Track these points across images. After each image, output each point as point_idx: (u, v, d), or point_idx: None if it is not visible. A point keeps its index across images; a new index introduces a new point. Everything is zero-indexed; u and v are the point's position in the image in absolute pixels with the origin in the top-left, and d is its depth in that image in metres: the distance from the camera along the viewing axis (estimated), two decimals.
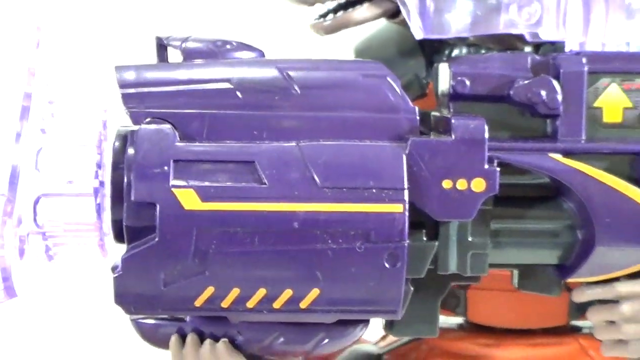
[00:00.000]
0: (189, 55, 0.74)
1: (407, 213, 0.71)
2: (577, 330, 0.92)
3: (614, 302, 0.79)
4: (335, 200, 0.70)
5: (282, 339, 0.75)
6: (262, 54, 0.76)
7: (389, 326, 0.79)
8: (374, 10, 0.83)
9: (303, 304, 0.71)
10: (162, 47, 0.76)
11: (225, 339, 0.75)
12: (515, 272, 0.79)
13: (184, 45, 0.74)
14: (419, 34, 0.78)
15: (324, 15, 0.85)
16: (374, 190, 0.70)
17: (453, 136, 0.72)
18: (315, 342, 0.76)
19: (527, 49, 0.87)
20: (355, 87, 0.73)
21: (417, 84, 0.90)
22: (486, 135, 0.72)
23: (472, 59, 0.76)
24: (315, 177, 0.70)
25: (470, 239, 0.75)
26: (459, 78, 0.74)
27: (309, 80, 0.73)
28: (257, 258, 0.70)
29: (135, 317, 0.76)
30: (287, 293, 0.71)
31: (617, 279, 0.78)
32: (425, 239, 0.74)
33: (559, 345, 0.90)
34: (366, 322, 0.77)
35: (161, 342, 0.77)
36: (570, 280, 0.77)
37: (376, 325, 0.89)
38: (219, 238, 0.70)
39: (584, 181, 0.73)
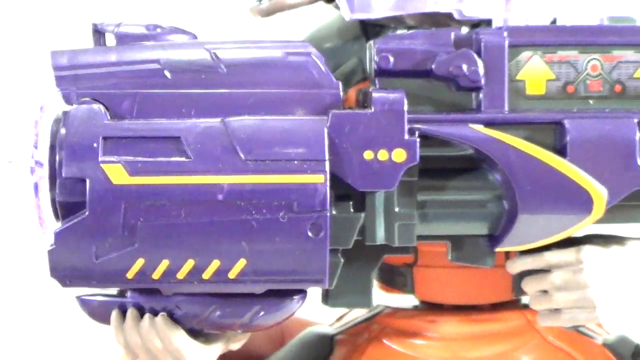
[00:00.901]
0: (122, 39, 0.77)
1: (328, 183, 0.73)
2: (525, 305, 0.94)
3: (547, 271, 0.81)
4: (258, 172, 0.73)
5: (218, 312, 0.78)
6: (194, 37, 0.79)
7: (325, 298, 0.81)
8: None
9: (231, 274, 0.74)
10: (97, 32, 0.79)
11: (164, 313, 0.78)
12: (449, 244, 0.81)
13: (116, 29, 0.77)
14: (346, 14, 0.80)
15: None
16: (295, 162, 0.73)
17: (373, 108, 0.74)
18: (251, 314, 0.78)
19: (465, 29, 0.89)
20: (280, 64, 0.76)
21: (360, 67, 0.93)
22: (405, 107, 0.74)
23: (396, 36, 0.78)
24: (239, 151, 0.73)
25: (396, 209, 0.77)
26: (383, 54, 0.77)
27: (235, 59, 0.76)
28: (184, 230, 0.73)
29: (79, 294, 0.79)
30: (215, 264, 0.73)
31: (548, 248, 0.80)
32: (352, 210, 0.77)
33: (506, 320, 0.91)
34: (303, 294, 0.79)
35: (104, 318, 0.79)
36: (501, 249, 0.79)
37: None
38: (146, 211, 0.72)
39: (504, 150, 0.75)
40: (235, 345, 0.83)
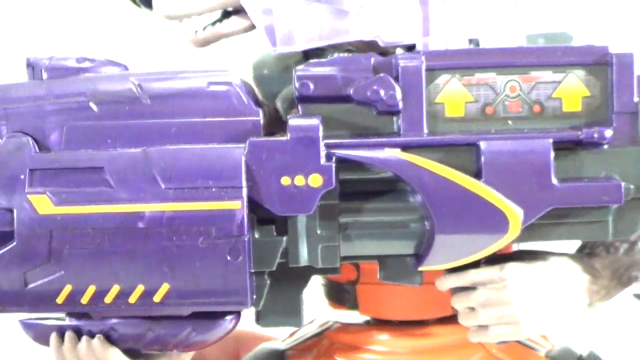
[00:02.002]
0: (53, 73, 0.80)
1: (245, 209, 0.75)
2: None
3: (474, 289, 0.83)
4: (177, 199, 0.75)
5: (152, 334, 0.81)
6: (125, 68, 0.82)
7: (257, 318, 0.83)
8: (240, 23, 0.87)
9: (156, 298, 0.77)
10: (30, 66, 0.82)
11: (100, 335, 0.81)
12: (378, 263, 0.83)
13: (48, 63, 0.80)
14: (269, 46, 0.82)
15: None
16: (213, 189, 0.76)
17: (288, 135, 0.76)
18: (185, 335, 0.81)
19: (399, 51, 0.90)
20: (202, 94, 0.79)
21: None
22: (320, 133, 0.76)
23: (317, 62, 0.80)
24: (158, 179, 0.76)
25: (319, 232, 0.79)
26: (303, 81, 0.79)
27: (158, 90, 0.79)
28: (109, 257, 0.76)
29: (22, 318, 0.83)
30: (140, 288, 0.76)
31: (477, 265, 0.82)
32: (275, 234, 0.79)
33: (451, 334, 0.92)
34: (236, 314, 0.81)
35: (44, 340, 0.83)
36: (424, 269, 0.80)
37: None
38: (72, 239, 0.76)
39: (418, 173, 0.77)
40: None
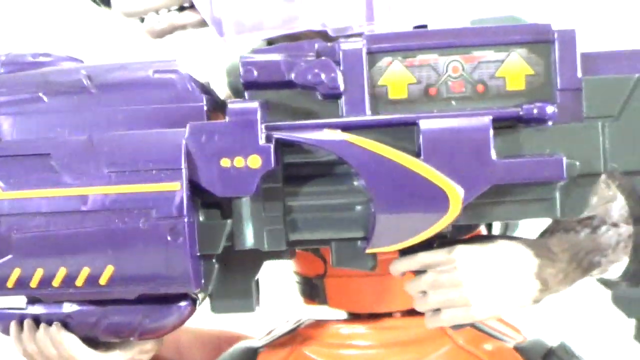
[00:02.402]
0: (9, 68, 0.83)
1: (184, 191, 0.77)
2: None
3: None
4: (119, 182, 0.77)
5: (107, 321, 0.82)
6: (80, 62, 0.85)
7: (210, 304, 0.84)
8: (193, 16, 0.89)
9: (102, 281, 0.78)
10: None
11: (58, 323, 0.83)
12: (331, 248, 0.83)
13: (4, 59, 0.83)
14: (218, 37, 0.84)
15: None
16: (153, 172, 0.77)
17: (227, 118, 0.78)
18: (138, 322, 0.82)
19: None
20: (148, 83, 0.81)
21: None
22: (258, 115, 0.78)
23: (263, 49, 0.82)
24: (102, 164, 0.78)
25: (264, 215, 0.80)
26: (248, 67, 0.80)
27: (107, 80, 0.81)
28: (54, 240, 0.78)
29: None
30: (85, 271, 0.78)
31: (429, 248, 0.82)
32: (220, 217, 0.80)
33: (418, 327, 0.92)
34: (189, 301, 0.82)
35: (5, 329, 0.85)
36: (371, 251, 0.80)
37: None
38: (19, 223, 0.78)
39: (357, 152, 0.77)
40: (144, 357, 0.88)
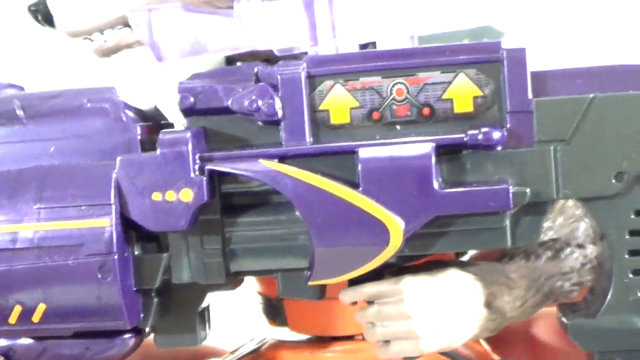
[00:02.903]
0: None
1: (114, 227, 0.74)
2: None
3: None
4: (47, 219, 0.75)
5: (49, 354, 0.80)
6: (21, 89, 0.82)
7: (154, 339, 0.82)
8: (124, 36, 0.87)
9: (35, 319, 0.76)
10: None
11: (1, 357, 0.81)
12: (278, 278, 0.80)
13: None
14: (156, 60, 0.81)
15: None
16: (83, 207, 0.75)
17: (158, 150, 0.75)
18: (80, 355, 0.80)
19: None
20: (80, 112, 0.78)
21: None
22: (189, 146, 0.74)
23: (199, 74, 0.78)
24: (30, 199, 0.75)
25: (202, 248, 0.77)
26: (184, 94, 0.77)
27: (40, 110, 0.78)
28: None
29: None
30: (18, 309, 0.76)
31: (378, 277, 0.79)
32: (157, 250, 0.78)
33: None
34: (134, 332, 0.80)
35: None
36: (314, 283, 0.77)
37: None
38: None
39: (292, 184, 0.74)
40: None
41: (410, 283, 0.77)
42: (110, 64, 0.92)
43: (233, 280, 0.80)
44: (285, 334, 0.96)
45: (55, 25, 0.87)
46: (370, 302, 0.79)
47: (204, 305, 0.82)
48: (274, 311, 0.93)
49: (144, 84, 0.98)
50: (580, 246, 0.83)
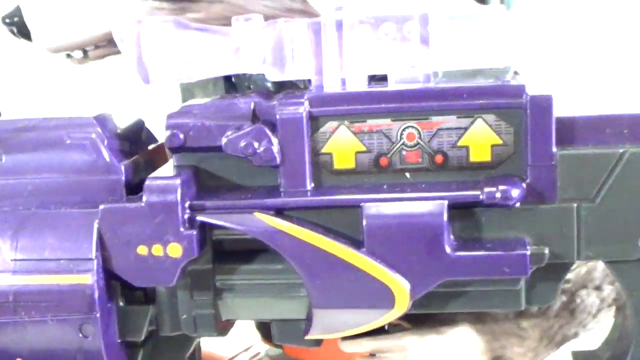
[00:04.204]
0: None
1: (96, 284, 0.68)
2: None
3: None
4: (24, 272, 0.69)
5: None
6: None
7: None
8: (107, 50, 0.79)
9: None
10: None
11: None
12: (273, 325, 0.75)
13: None
14: (142, 82, 0.73)
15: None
16: (62, 261, 0.69)
17: (144, 199, 0.68)
18: None
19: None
20: (61, 147, 0.71)
21: None
22: (178, 196, 0.68)
23: (190, 107, 0.71)
24: (4, 250, 0.69)
25: (192, 299, 0.72)
26: (173, 131, 0.70)
27: (16, 143, 0.71)
28: None
29: None
30: None
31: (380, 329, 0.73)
32: (143, 301, 0.72)
33: None
34: None
35: None
36: (311, 337, 0.72)
37: None
38: None
39: (289, 243, 0.68)
40: None
41: (414, 340, 0.72)
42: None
43: (225, 325, 0.75)
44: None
45: (31, 37, 0.79)
46: (372, 354, 0.75)
47: (194, 348, 0.77)
48: (268, 330, 0.88)
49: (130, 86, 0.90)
50: (598, 288, 0.78)
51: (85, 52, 0.80)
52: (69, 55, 0.80)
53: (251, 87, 0.84)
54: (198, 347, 0.79)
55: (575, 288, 0.78)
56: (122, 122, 0.75)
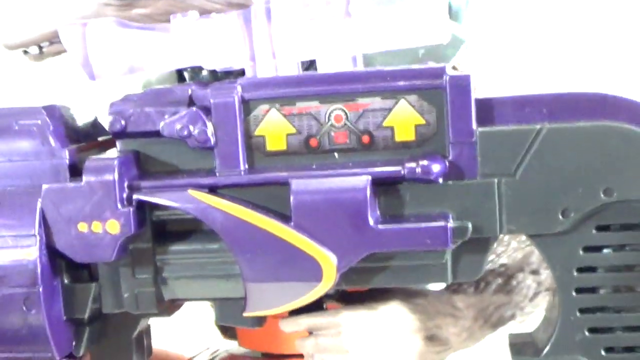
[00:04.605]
0: None
1: (39, 259, 0.72)
2: None
3: None
4: None
5: None
6: None
7: None
8: (62, 46, 0.83)
9: None
10: None
11: None
12: (215, 304, 0.78)
13: None
14: (87, 78, 0.77)
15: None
16: (7, 238, 0.72)
17: (84, 179, 0.72)
18: None
19: None
20: (10, 133, 0.75)
21: None
22: (116, 175, 0.71)
23: (131, 96, 0.75)
24: None
25: (134, 277, 0.75)
26: (115, 116, 0.74)
27: None
28: None
29: None
30: None
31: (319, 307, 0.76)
32: (88, 280, 0.75)
33: None
34: (67, 359, 0.78)
35: None
36: (248, 314, 0.74)
37: None
38: None
39: (220, 218, 0.71)
40: None
41: (348, 316, 0.74)
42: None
43: (168, 306, 0.78)
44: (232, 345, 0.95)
45: None
46: (310, 332, 0.77)
47: (140, 329, 0.80)
48: (227, 328, 0.91)
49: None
50: (535, 272, 0.80)
51: (40, 48, 0.84)
52: (25, 52, 0.84)
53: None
54: (147, 332, 0.81)
55: (512, 272, 0.80)
56: (75, 114, 0.79)
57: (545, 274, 0.80)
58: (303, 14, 0.72)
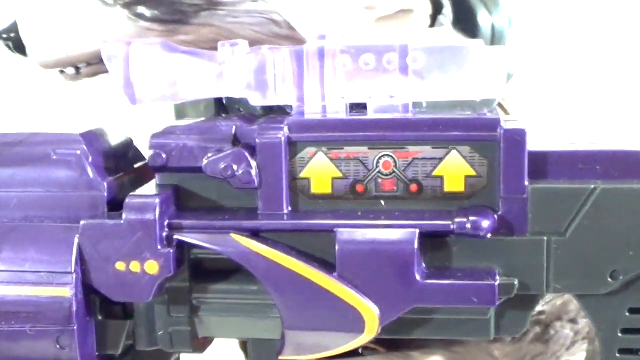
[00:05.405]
0: None
1: (74, 297, 0.70)
2: None
3: None
4: (6, 283, 0.71)
5: None
6: None
7: None
8: (99, 68, 0.81)
9: None
10: None
11: None
12: (249, 344, 0.76)
13: None
14: (129, 102, 0.75)
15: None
16: (42, 274, 0.70)
17: (124, 217, 0.70)
18: None
19: None
20: (47, 163, 0.73)
21: None
22: (157, 214, 0.70)
23: (174, 128, 0.73)
24: None
25: (169, 315, 0.73)
26: (156, 151, 0.72)
27: (3, 159, 0.73)
28: None
29: None
30: None
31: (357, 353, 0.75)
32: (121, 316, 0.74)
33: None
34: None
35: None
36: (283, 358, 0.73)
37: None
38: None
39: (263, 265, 0.69)
40: None
41: None
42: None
43: (202, 343, 0.77)
44: None
45: (26, 53, 0.81)
46: None
47: None
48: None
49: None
50: (573, 321, 0.79)
51: (77, 69, 0.82)
52: (62, 72, 0.82)
53: (241, 109, 0.86)
54: None
55: (550, 320, 0.78)
56: (112, 139, 0.77)
57: (583, 323, 0.79)
58: (356, 59, 0.70)
